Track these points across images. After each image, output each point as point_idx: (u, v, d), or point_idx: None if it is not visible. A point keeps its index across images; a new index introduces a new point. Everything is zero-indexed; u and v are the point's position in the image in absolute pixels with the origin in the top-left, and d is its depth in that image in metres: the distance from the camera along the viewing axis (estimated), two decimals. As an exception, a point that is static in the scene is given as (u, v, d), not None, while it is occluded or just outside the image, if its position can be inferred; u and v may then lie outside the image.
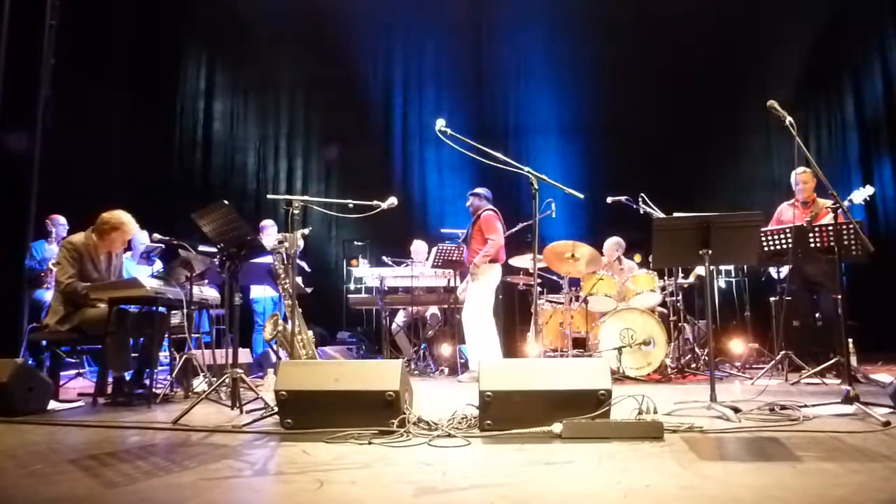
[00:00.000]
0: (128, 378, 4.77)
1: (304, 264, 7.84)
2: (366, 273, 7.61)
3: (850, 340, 4.74)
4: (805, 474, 2.26)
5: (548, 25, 9.53)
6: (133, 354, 4.86)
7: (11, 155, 6.90)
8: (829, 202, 5.31)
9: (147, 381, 4.64)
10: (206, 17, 9.50)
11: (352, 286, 8.81)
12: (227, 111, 9.79)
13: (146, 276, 5.15)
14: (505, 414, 3.06)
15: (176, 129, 9.50)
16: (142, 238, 6.73)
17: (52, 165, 7.36)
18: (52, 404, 4.24)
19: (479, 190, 6.37)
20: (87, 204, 5.45)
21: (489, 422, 3.07)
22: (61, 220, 6.64)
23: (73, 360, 5.89)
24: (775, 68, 8.95)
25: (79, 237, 4.81)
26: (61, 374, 5.11)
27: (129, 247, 6.58)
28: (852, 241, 4.27)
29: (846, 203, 5.07)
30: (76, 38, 7.84)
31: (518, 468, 2.45)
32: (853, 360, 5.27)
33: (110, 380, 4.68)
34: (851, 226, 4.23)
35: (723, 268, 7.52)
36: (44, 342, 4.75)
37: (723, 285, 7.71)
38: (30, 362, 4.50)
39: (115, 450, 2.92)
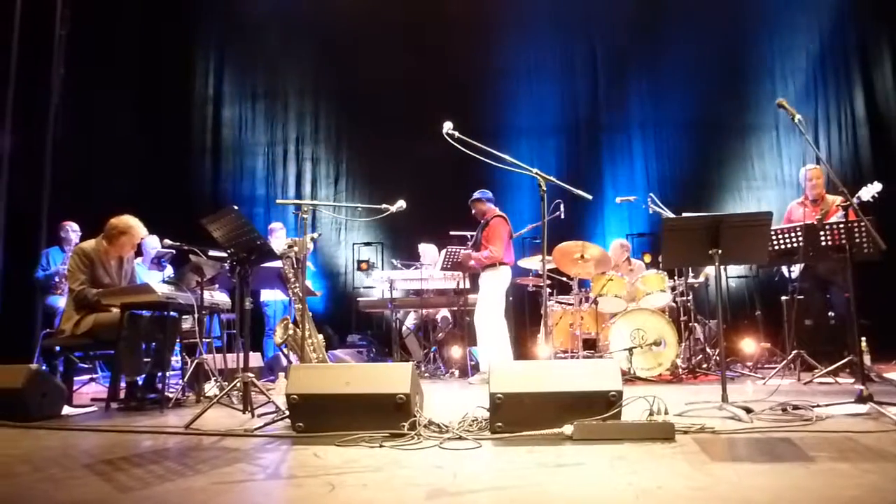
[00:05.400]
0: (140, 383, 4.81)
1: (309, 264, 7.88)
2: (375, 276, 7.63)
3: (863, 339, 4.71)
4: (818, 475, 2.25)
5: (557, 22, 9.52)
6: (145, 359, 4.89)
7: (24, 163, 6.99)
8: (838, 199, 5.30)
9: (159, 386, 4.67)
10: (213, 23, 9.56)
11: (362, 289, 8.85)
12: (236, 117, 9.83)
13: (157, 281, 5.18)
14: (516, 416, 3.06)
15: (185, 135, 9.55)
16: (153, 244, 6.77)
17: (64, 173, 7.45)
18: (66, 409, 4.27)
19: (478, 195, 6.29)
20: (98, 210, 5.50)
21: (500, 424, 3.07)
22: (74, 226, 6.69)
23: (86, 366, 5.93)
24: (784, 63, 8.91)
25: (89, 244, 4.87)
26: (75, 379, 5.15)
27: (139, 252, 6.63)
28: (864, 239, 4.24)
29: (854, 200, 5.04)
30: (85, 47, 7.92)
31: (529, 470, 2.45)
32: (866, 359, 5.23)
33: (123, 385, 4.72)
34: (863, 223, 4.19)
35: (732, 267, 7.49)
36: (57, 348, 4.79)
37: (733, 284, 7.68)
38: (43, 368, 4.53)
39: (129, 454, 2.94)
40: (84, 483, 2.37)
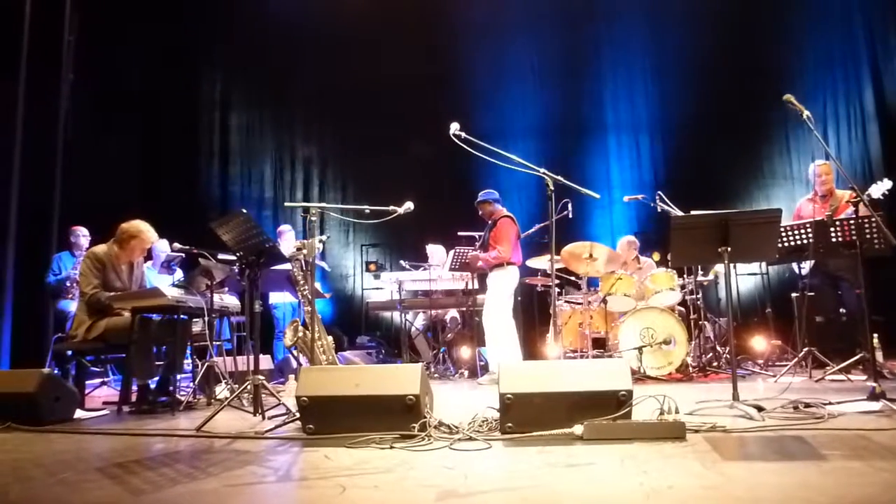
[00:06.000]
0: (151, 386, 4.83)
1: (323, 264, 7.92)
2: (384, 278, 7.64)
3: (875, 336, 4.68)
4: (831, 473, 2.23)
5: (561, 22, 9.51)
6: (156, 362, 4.92)
7: (34, 169, 7.04)
8: (847, 194, 5.26)
9: (170, 389, 4.70)
10: (221, 28, 9.60)
11: (371, 291, 8.85)
12: (244, 121, 9.87)
13: (167, 285, 5.21)
14: (526, 416, 3.05)
15: (193, 139, 9.59)
16: (162, 248, 6.81)
17: (74, 178, 7.51)
18: (78, 413, 4.30)
19: (485, 197, 6.27)
20: (107, 215, 5.54)
21: (510, 424, 3.07)
22: (84, 231, 6.74)
23: (97, 370, 5.97)
24: (792, 61, 8.86)
25: (101, 248, 4.91)
26: (86, 383, 5.19)
27: (149, 256, 6.67)
28: (875, 235, 4.21)
29: (864, 197, 5.01)
30: (94, 52, 7.98)
31: (540, 470, 2.45)
32: (878, 356, 5.20)
33: (134, 388, 4.75)
34: (874, 219, 4.17)
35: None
36: (69, 352, 4.83)
37: (743, 282, 7.62)
38: (56, 372, 4.56)
39: (141, 457, 2.96)
40: (97, 486, 2.38)
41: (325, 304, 8.70)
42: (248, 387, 3.99)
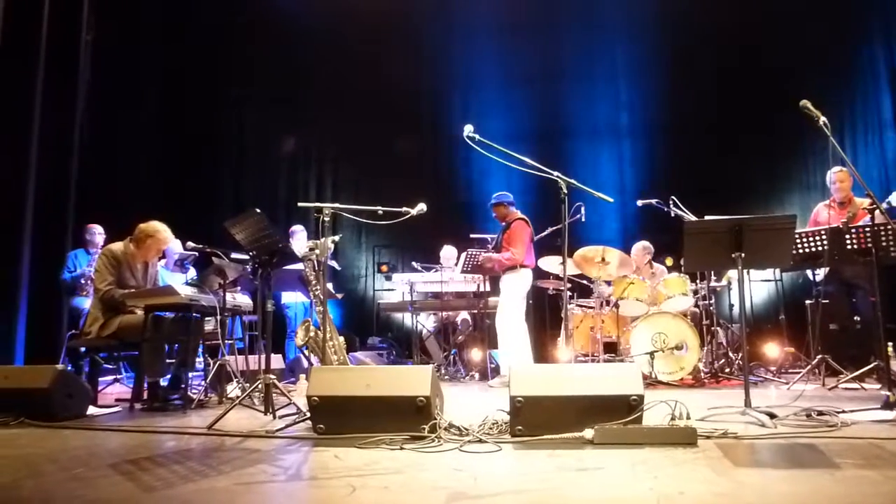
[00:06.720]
0: (163, 384, 4.87)
1: (334, 263, 7.94)
2: (396, 279, 7.66)
3: (890, 344, 4.64)
4: (843, 482, 2.22)
5: (579, 25, 9.50)
6: (169, 360, 4.95)
7: (50, 166, 7.12)
8: (866, 201, 5.22)
9: (182, 387, 4.73)
10: (235, 28, 9.65)
11: (382, 292, 8.87)
12: (258, 120, 9.91)
13: (181, 283, 5.25)
14: (536, 419, 3.05)
15: (208, 139, 9.64)
16: (175, 247, 6.85)
17: (89, 176, 7.58)
18: (91, 409, 4.34)
19: (499, 198, 6.27)
20: (122, 213, 5.59)
21: (520, 427, 3.07)
22: (99, 228, 6.80)
23: (110, 367, 6.01)
24: (808, 66, 8.79)
25: (117, 246, 4.96)
26: (99, 379, 5.24)
27: (163, 255, 6.72)
28: (891, 243, 4.18)
29: (883, 205, 4.96)
30: (110, 52, 8.06)
31: (550, 474, 2.45)
32: (893, 365, 5.14)
33: (146, 385, 4.78)
34: (890, 227, 4.13)
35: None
36: (82, 349, 4.87)
37: (756, 288, 7.56)
38: (69, 369, 4.61)
39: (153, 454, 2.97)
40: (109, 482, 2.40)
41: (337, 306, 8.72)
42: (260, 386, 4.01)
